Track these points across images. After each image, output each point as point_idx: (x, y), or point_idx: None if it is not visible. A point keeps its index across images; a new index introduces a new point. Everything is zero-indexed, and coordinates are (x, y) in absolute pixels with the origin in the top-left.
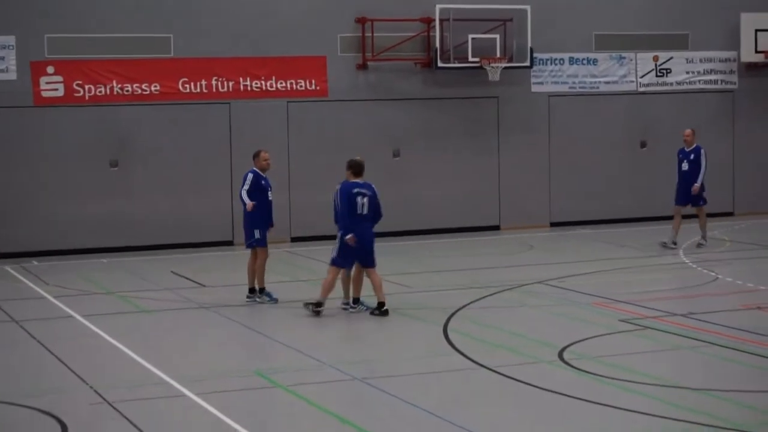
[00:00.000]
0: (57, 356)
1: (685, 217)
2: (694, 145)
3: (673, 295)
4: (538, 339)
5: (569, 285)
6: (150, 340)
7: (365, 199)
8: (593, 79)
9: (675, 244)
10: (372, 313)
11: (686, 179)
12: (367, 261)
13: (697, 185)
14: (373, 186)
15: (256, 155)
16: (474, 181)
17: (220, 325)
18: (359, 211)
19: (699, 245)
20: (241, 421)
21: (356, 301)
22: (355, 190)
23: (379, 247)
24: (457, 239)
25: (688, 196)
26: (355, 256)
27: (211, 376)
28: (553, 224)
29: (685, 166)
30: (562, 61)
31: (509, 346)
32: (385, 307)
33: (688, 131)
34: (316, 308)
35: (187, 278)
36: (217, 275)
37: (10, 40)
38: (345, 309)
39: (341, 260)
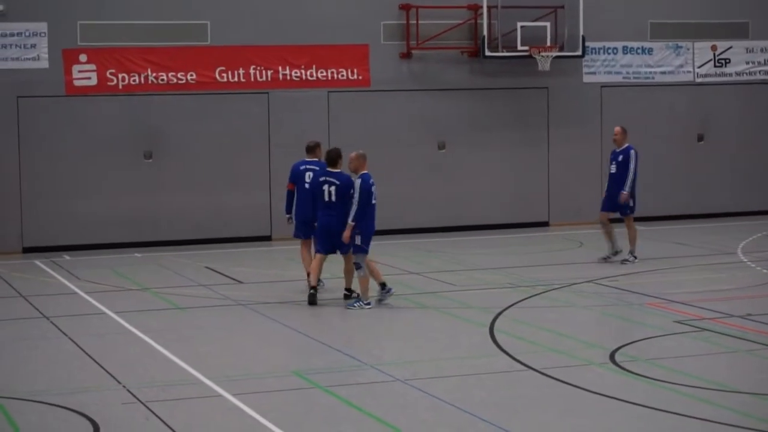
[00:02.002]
0: (89, 354)
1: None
2: (625, 146)
3: (731, 295)
4: (589, 340)
5: (621, 284)
6: (184, 338)
7: (333, 188)
8: (648, 69)
9: (617, 253)
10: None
11: (614, 183)
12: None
13: (624, 192)
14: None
15: (318, 146)
16: (522, 176)
17: (258, 323)
18: (327, 199)
19: (624, 262)
20: (279, 422)
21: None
22: (321, 179)
23: (423, 243)
24: (504, 236)
25: (614, 201)
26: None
27: (248, 376)
28: None
29: (613, 168)
30: (615, 51)
31: (558, 348)
32: (347, 292)
33: (617, 129)
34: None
35: (223, 274)
36: (254, 271)
37: (42, 27)
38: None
39: (318, 246)
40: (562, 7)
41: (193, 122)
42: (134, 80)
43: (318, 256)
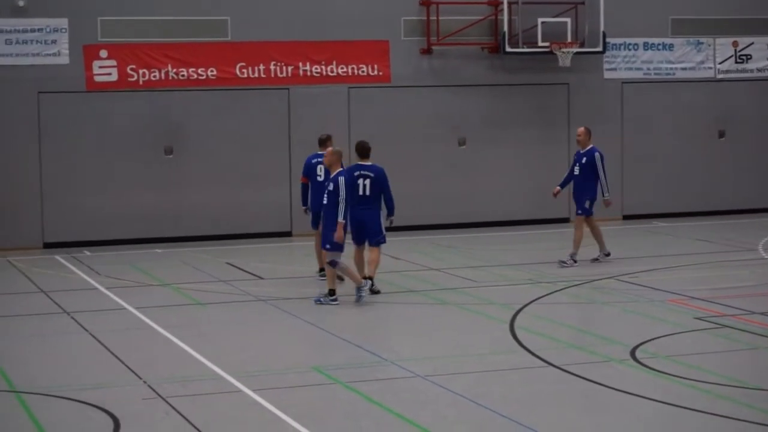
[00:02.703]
0: (109, 349)
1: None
2: (589, 147)
3: (752, 292)
4: (609, 337)
5: (642, 281)
6: (205, 333)
7: (367, 181)
8: (669, 66)
9: (608, 254)
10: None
11: (577, 185)
12: (368, 237)
13: (607, 198)
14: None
15: (329, 139)
16: (542, 172)
17: (278, 319)
18: (360, 193)
19: (562, 264)
20: (299, 418)
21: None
22: (356, 173)
23: (443, 239)
24: (525, 232)
25: (581, 203)
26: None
27: (268, 372)
28: (626, 217)
29: (576, 170)
30: (636, 47)
31: (579, 344)
32: (372, 284)
33: (580, 129)
34: (371, 288)
35: (243, 270)
36: (274, 267)
37: (63, 23)
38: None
39: (353, 239)
40: (583, 2)
41: (213, 118)
42: (155, 76)
43: (356, 249)
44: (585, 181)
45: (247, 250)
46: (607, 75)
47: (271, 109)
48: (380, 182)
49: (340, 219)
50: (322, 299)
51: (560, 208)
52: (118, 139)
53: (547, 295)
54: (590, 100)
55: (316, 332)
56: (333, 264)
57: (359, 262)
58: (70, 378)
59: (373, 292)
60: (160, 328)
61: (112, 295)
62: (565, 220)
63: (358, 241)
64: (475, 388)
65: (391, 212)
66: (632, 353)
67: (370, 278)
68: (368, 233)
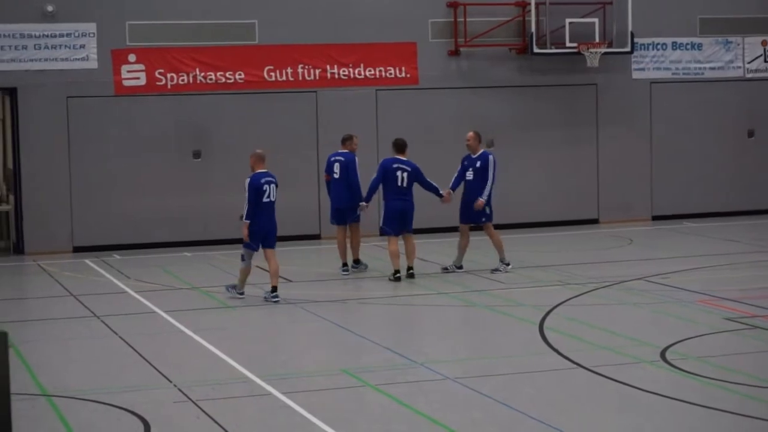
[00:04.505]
0: (139, 353)
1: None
2: (480, 151)
3: None
4: (639, 338)
5: (672, 282)
6: (234, 336)
7: (404, 174)
8: (698, 65)
9: (460, 267)
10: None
11: (471, 190)
12: (406, 227)
13: (481, 200)
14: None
15: (350, 139)
16: (571, 173)
17: (307, 322)
18: (399, 184)
19: (495, 271)
20: (329, 421)
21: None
22: (395, 165)
23: (472, 240)
24: (554, 233)
25: (471, 210)
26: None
27: (298, 375)
28: (655, 218)
29: (469, 175)
30: (664, 46)
31: (608, 346)
32: (411, 271)
33: (469, 134)
34: (395, 276)
35: None
36: (303, 270)
37: (91, 27)
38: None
39: (388, 228)
40: (611, 2)
41: (241, 121)
42: (183, 80)
43: (392, 239)
44: (480, 187)
45: (276, 253)
46: (636, 75)
47: (299, 112)
48: (416, 175)
49: (244, 219)
50: (230, 289)
51: (589, 210)
52: (146, 143)
53: (576, 296)
54: (618, 100)
55: (345, 334)
56: (241, 258)
57: (395, 251)
58: (101, 381)
59: (411, 276)
60: (190, 331)
61: (141, 299)
62: (594, 222)
63: (397, 231)
64: (505, 390)
65: (438, 192)
66: (662, 354)
67: (411, 267)
68: (408, 222)
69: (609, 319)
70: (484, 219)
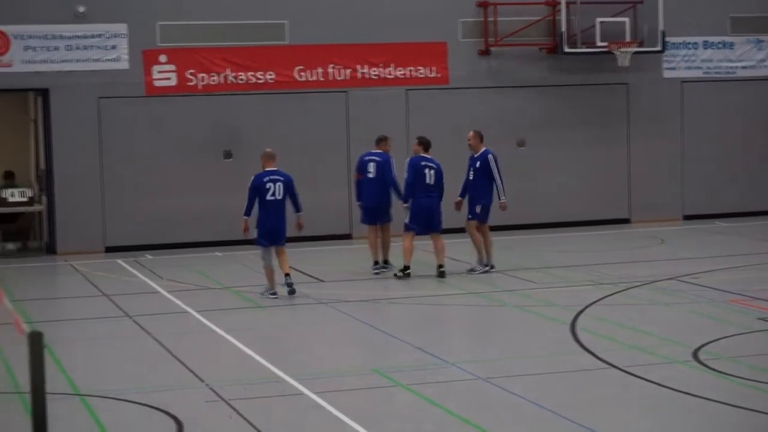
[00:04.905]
0: (172, 352)
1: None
2: (481, 151)
3: None
4: (671, 338)
5: (703, 281)
6: (266, 336)
7: (432, 172)
8: (729, 64)
9: (492, 267)
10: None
11: (471, 190)
12: (434, 226)
13: (504, 200)
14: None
15: (384, 140)
16: (602, 172)
17: (338, 321)
18: (427, 181)
19: (471, 271)
20: (360, 420)
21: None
22: (423, 163)
23: (504, 240)
24: (585, 233)
25: (472, 208)
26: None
27: (329, 374)
28: (686, 217)
29: (471, 174)
30: (695, 45)
31: (640, 346)
32: (442, 269)
33: (470, 134)
34: (405, 272)
35: (303, 273)
36: (334, 270)
37: (122, 28)
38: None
39: (414, 225)
40: (642, 1)
41: (272, 121)
42: (213, 80)
43: (410, 236)
44: (478, 186)
45: (307, 253)
46: (667, 74)
47: (330, 112)
48: (441, 174)
49: (243, 215)
50: (264, 293)
51: (621, 209)
52: (177, 144)
53: (607, 296)
54: (649, 99)
55: (376, 334)
56: (261, 258)
57: (409, 247)
58: (133, 381)
59: (442, 275)
60: (222, 330)
61: (173, 299)
62: (625, 221)
63: (423, 229)
64: (537, 390)
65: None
66: (695, 354)
67: (441, 265)
68: (435, 221)
69: (640, 319)
70: (470, 216)
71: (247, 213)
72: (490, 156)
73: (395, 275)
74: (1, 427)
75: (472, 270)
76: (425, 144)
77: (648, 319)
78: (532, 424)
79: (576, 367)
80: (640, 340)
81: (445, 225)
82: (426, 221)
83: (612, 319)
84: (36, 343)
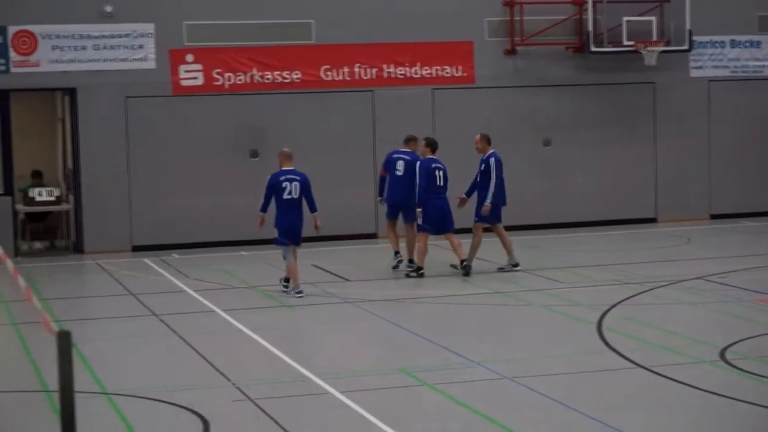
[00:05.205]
0: (198, 351)
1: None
2: (488, 152)
3: None
4: (698, 338)
5: (730, 281)
6: (292, 335)
7: (441, 173)
8: (757, 63)
9: (516, 265)
10: (408, 275)
11: (479, 192)
12: (448, 226)
13: (486, 204)
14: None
15: (414, 140)
16: (629, 172)
17: (364, 321)
18: (438, 183)
19: (456, 267)
20: (386, 420)
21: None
22: (433, 165)
23: (530, 239)
24: (611, 232)
25: (478, 210)
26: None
27: (355, 374)
28: (714, 216)
29: (477, 177)
30: (723, 44)
31: (667, 345)
32: (465, 263)
33: (476, 137)
34: (418, 272)
35: (329, 272)
36: (360, 269)
37: (149, 28)
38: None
39: (429, 226)
40: (668, 0)
41: (298, 121)
42: (240, 80)
43: (424, 236)
44: (483, 188)
45: (333, 252)
46: (694, 73)
47: (356, 111)
48: (447, 175)
49: (259, 211)
50: (289, 291)
51: (647, 208)
52: (204, 143)
53: (634, 296)
54: (676, 98)
55: (402, 333)
56: (284, 257)
57: (424, 249)
58: (160, 380)
59: (466, 270)
60: (248, 330)
61: (199, 298)
62: (651, 221)
63: (437, 230)
64: (563, 390)
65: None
66: (722, 354)
67: (465, 260)
68: (449, 222)
69: (667, 318)
70: (477, 219)
71: (263, 209)
72: (492, 159)
73: (407, 275)
74: (29, 426)
75: (454, 266)
76: (433, 145)
77: (674, 319)
78: (559, 424)
79: (602, 366)
80: (667, 339)
81: (458, 225)
82: (440, 222)
83: (638, 319)
84: (64, 342)
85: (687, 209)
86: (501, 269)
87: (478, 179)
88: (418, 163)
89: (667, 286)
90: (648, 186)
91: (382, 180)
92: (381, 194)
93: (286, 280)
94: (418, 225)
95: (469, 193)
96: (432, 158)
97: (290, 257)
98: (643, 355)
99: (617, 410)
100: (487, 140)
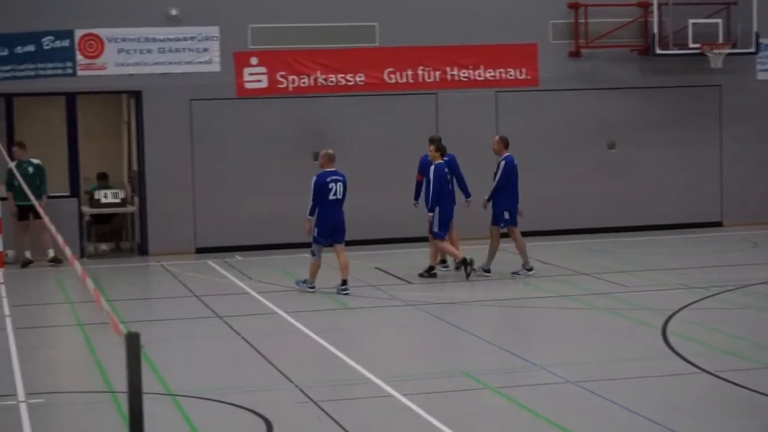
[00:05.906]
0: (261, 353)
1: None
2: (504, 155)
3: None
4: (765, 343)
5: None
6: (354, 337)
7: (450, 177)
8: None
9: (531, 269)
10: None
11: (495, 195)
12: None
13: (469, 200)
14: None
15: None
16: (694, 175)
17: (426, 323)
18: (449, 188)
19: (459, 266)
20: (449, 423)
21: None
22: (445, 170)
23: (593, 243)
24: (676, 236)
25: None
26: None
27: (418, 376)
28: None
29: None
30: None
31: (733, 350)
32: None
33: (495, 139)
34: (430, 273)
35: (392, 274)
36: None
37: (214, 31)
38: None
39: (443, 234)
40: (735, 2)
41: (361, 123)
42: (304, 82)
43: (443, 241)
44: (499, 191)
45: (396, 255)
46: (761, 76)
47: (419, 113)
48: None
49: (308, 215)
50: (300, 284)
51: (713, 212)
52: (268, 145)
53: (699, 300)
54: (743, 101)
55: (465, 336)
56: (311, 254)
57: (450, 246)
58: (224, 381)
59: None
60: (311, 332)
61: (262, 299)
62: (717, 224)
63: (445, 233)
64: (628, 395)
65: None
66: None
67: (466, 258)
68: (450, 222)
69: (733, 323)
70: (502, 224)
71: (312, 212)
72: (503, 162)
73: (420, 274)
74: (96, 426)
75: (457, 266)
76: (443, 150)
77: (740, 324)
78: (624, 429)
79: (667, 371)
80: (733, 344)
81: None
82: (448, 225)
83: (704, 324)
84: (133, 343)
85: (753, 213)
86: (515, 274)
87: (495, 183)
88: (432, 167)
89: (734, 290)
90: (714, 189)
91: (419, 184)
92: (416, 198)
93: (343, 283)
94: (434, 232)
95: (491, 198)
96: (442, 163)
97: (320, 255)
98: (708, 360)
99: (683, 416)
100: (504, 143)
